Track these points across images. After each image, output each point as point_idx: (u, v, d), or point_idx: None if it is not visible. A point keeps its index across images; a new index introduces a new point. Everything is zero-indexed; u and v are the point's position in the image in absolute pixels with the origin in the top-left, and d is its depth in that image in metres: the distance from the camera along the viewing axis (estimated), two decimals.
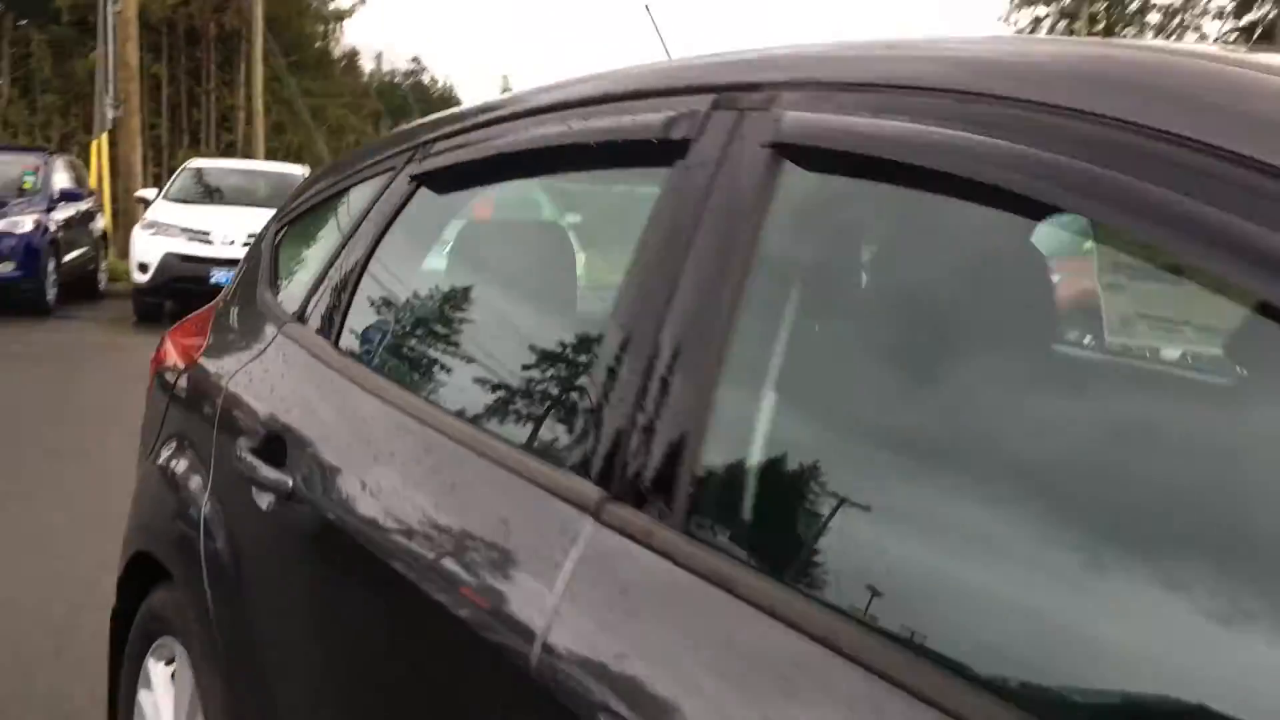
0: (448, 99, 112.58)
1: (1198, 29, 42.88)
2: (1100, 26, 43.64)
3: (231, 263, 9.70)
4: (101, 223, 14.37)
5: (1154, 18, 43.94)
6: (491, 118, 1.63)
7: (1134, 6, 44.20)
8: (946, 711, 0.77)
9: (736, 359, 1.09)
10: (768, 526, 1.04)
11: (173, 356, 2.26)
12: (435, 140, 1.73)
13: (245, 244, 10.58)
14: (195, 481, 1.93)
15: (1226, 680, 0.71)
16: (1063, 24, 43.68)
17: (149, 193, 13.96)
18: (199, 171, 13.46)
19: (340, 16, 39.48)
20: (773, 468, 1.06)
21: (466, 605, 1.20)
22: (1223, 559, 0.76)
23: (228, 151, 34.10)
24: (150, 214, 12.10)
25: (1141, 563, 0.80)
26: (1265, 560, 0.74)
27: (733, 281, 1.10)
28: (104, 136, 17.32)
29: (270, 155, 32.34)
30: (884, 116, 1.04)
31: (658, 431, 1.10)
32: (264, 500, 1.64)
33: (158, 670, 2.08)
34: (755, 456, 1.07)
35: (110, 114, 17.88)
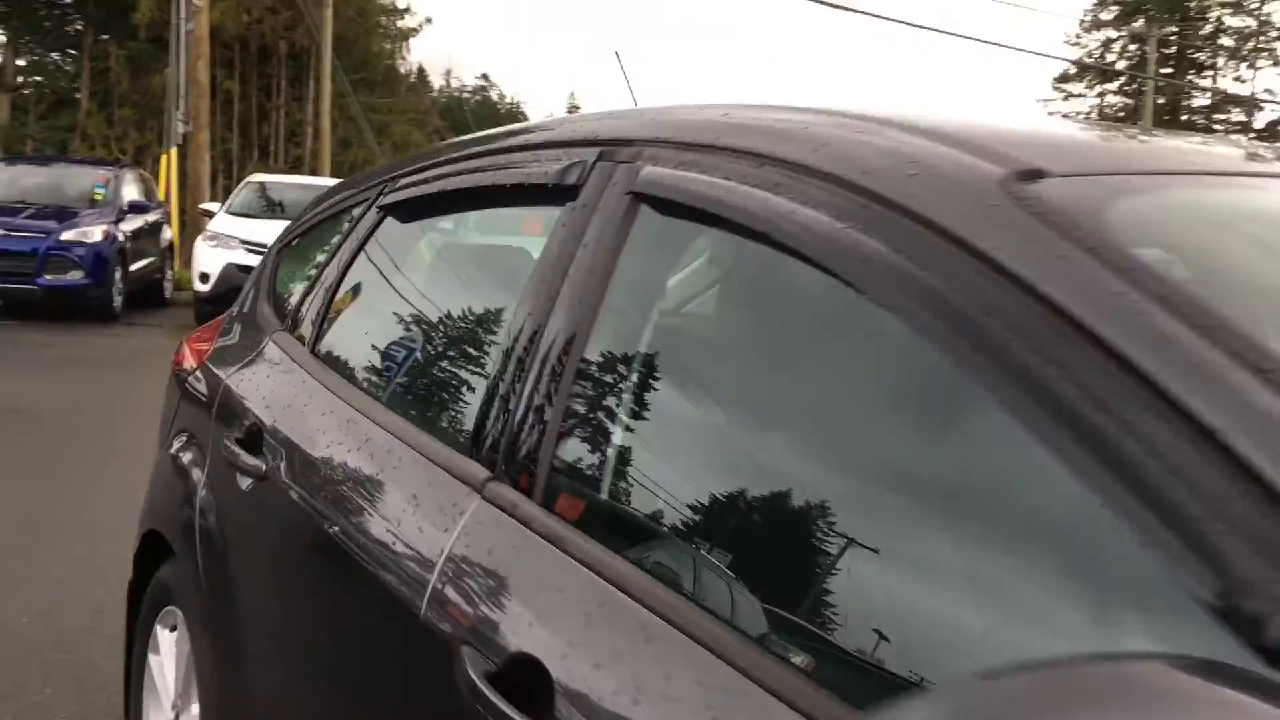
0: (514, 115, 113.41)
1: (1271, 54, 42.27)
2: (1173, 50, 43.19)
3: None
4: (168, 233, 14.95)
5: (1227, 41, 43.43)
6: (439, 159, 1.91)
7: (1206, 30, 43.72)
8: (731, 664, 0.97)
9: (590, 366, 1.34)
10: (599, 502, 1.29)
11: (187, 358, 2.57)
12: (398, 177, 2.01)
13: None
14: (196, 468, 2.21)
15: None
16: (1133, 46, 43.30)
17: (213, 206, 14.52)
18: (260, 186, 13.99)
19: (406, 35, 40.35)
20: (610, 456, 1.31)
21: (383, 564, 1.46)
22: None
23: (295, 165, 35.00)
24: (213, 226, 12.60)
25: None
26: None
27: (592, 303, 1.35)
28: (173, 150, 17.96)
29: (336, 170, 33.15)
30: (708, 173, 1.28)
31: (527, 426, 1.35)
32: (244, 483, 1.92)
33: (164, 635, 2.36)
34: (598, 447, 1.32)
35: (180, 129, 18.55)
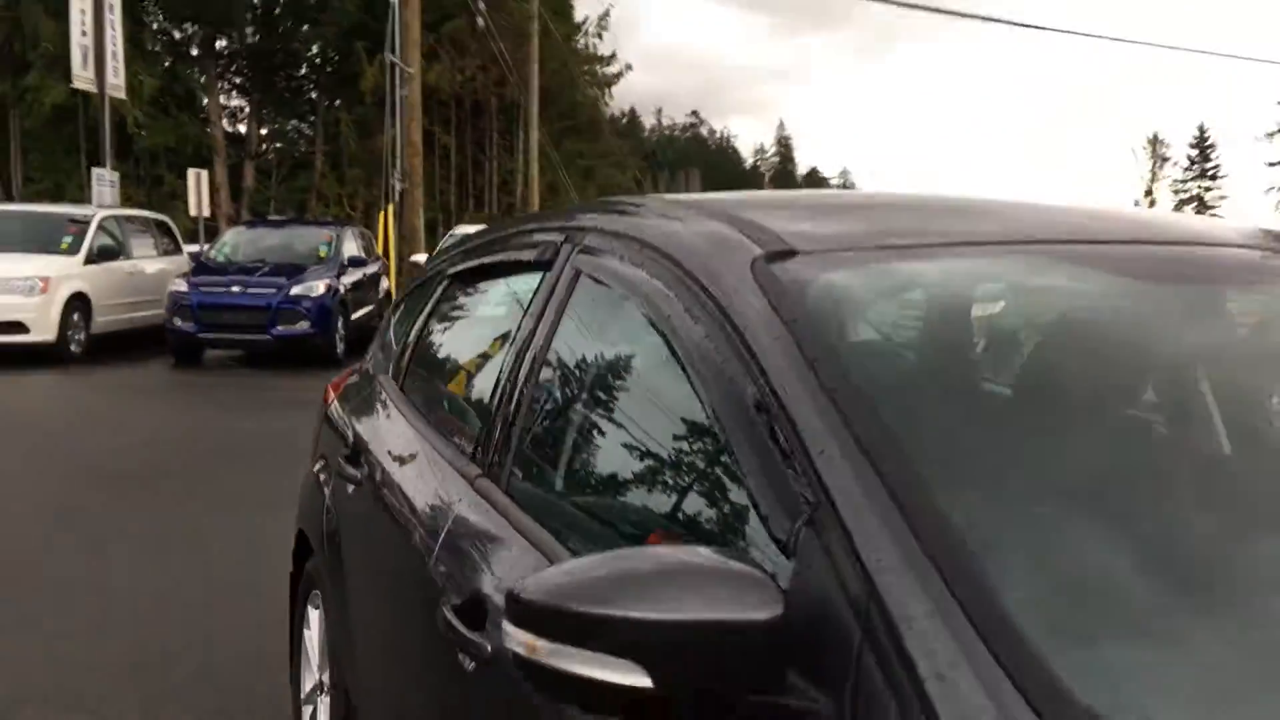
0: (724, 148, 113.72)
1: None
2: None
3: None
4: (386, 284, 16.32)
5: None
6: (480, 242, 2.50)
7: None
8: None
9: (540, 396, 1.85)
10: (538, 492, 1.79)
11: (331, 393, 3.23)
12: (455, 257, 2.62)
13: None
14: (326, 480, 2.84)
15: None
16: None
17: (421, 257, 15.77)
18: (463, 238, 15.11)
19: (608, 83, 41.99)
20: (552, 457, 1.81)
21: (415, 538, 2.01)
22: None
23: (508, 212, 36.93)
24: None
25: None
26: None
27: (544, 347, 1.86)
28: (390, 206, 19.53)
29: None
30: (609, 252, 1.78)
31: (497, 437, 1.88)
32: (349, 489, 2.52)
33: (312, 614, 2.99)
34: (546, 453, 1.83)
35: (397, 186, 20.14)
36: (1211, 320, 1.63)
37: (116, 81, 17.70)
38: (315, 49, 37.57)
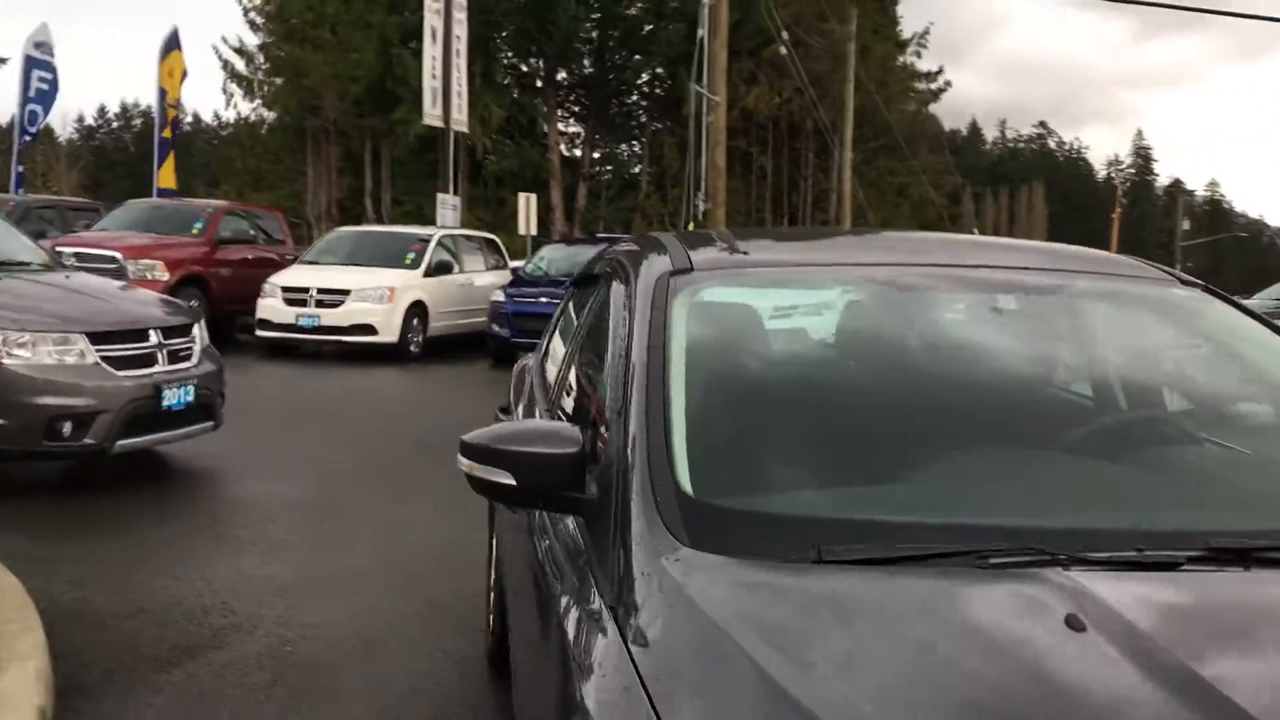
0: (1074, 161, 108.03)
1: None
2: None
3: None
4: None
5: None
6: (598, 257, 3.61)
7: None
8: None
9: (571, 350, 2.96)
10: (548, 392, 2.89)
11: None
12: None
13: None
14: None
15: None
16: None
17: None
18: None
19: (927, 100, 41.90)
20: (559, 379, 2.91)
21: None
22: None
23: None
24: None
25: None
26: None
27: (580, 326, 2.97)
28: (691, 225, 21.02)
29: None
30: (614, 272, 2.88)
31: (553, 379, 3.00)
32: None
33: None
34: (560, 374, 2.93)
35: (701, 207, 21.65)
36: (930, 315, 2.52)
37: (460, 117, 20.25)
38: (645, 77, 40.07)
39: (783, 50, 27.04)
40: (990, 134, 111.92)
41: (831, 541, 1.74)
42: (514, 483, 2.11)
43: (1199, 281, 2.70)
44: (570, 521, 2.17)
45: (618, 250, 3.08)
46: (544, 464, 2.09)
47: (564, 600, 1.98)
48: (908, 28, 46.67)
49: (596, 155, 42.13)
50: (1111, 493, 2.03)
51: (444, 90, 19.33)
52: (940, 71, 54.12)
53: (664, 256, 2.64)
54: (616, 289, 2.71)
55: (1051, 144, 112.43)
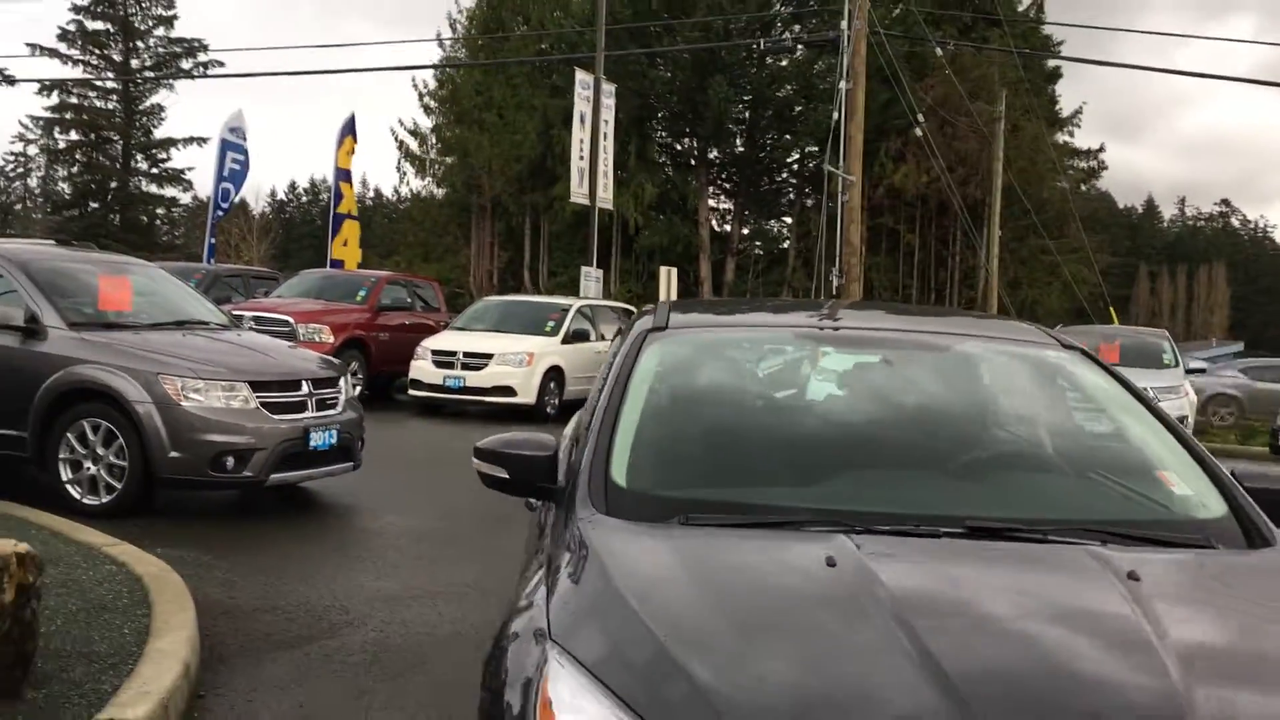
0: (1259, 239, 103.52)
1: None
2: None
3: None
4: None
5: None
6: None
7: None
8: None
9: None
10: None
11: None
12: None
13: None
14: None
15: None
16: None
17: None
18: None
19: (1081, 180, 41.47)
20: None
21: None
22: None
23: (968, 306, 37.81)
24: None
25: None
26: None
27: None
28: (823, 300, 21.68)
29: (1003, 310, 35.30)
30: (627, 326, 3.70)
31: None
32: None
33: None
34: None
35: (835, 282, 22.29)
36: (829, 364, 3.26)
37: (605, 195, 21.54)
38: (794, 155, 41.01)
39: (918, 132, 27.41)
40: (1168, 211, 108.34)
41: (696, 513, 2.52)
42: (507, 476, 2.95)
43: (1080, 346, 3.36)
44: (550, 512, 2.98)
45: (643, 310, 3.92)
46: (527, 463, 2.93)
47: (529, 563, 2.79)
48: (1078, 104, 46.50)
49: (746, 230, 43.12)
50: (917, 492, 2.74)
51: (590, 170, 20.64)
52: (1101, 149, 53.54)
53: (650, 318, 3.46)
54: (617, 343, 3.54)
55: (1235, 222, 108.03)
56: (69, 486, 7.39)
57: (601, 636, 2.09)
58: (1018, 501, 2.76)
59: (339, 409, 8.25)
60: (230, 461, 7.38)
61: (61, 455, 7.43)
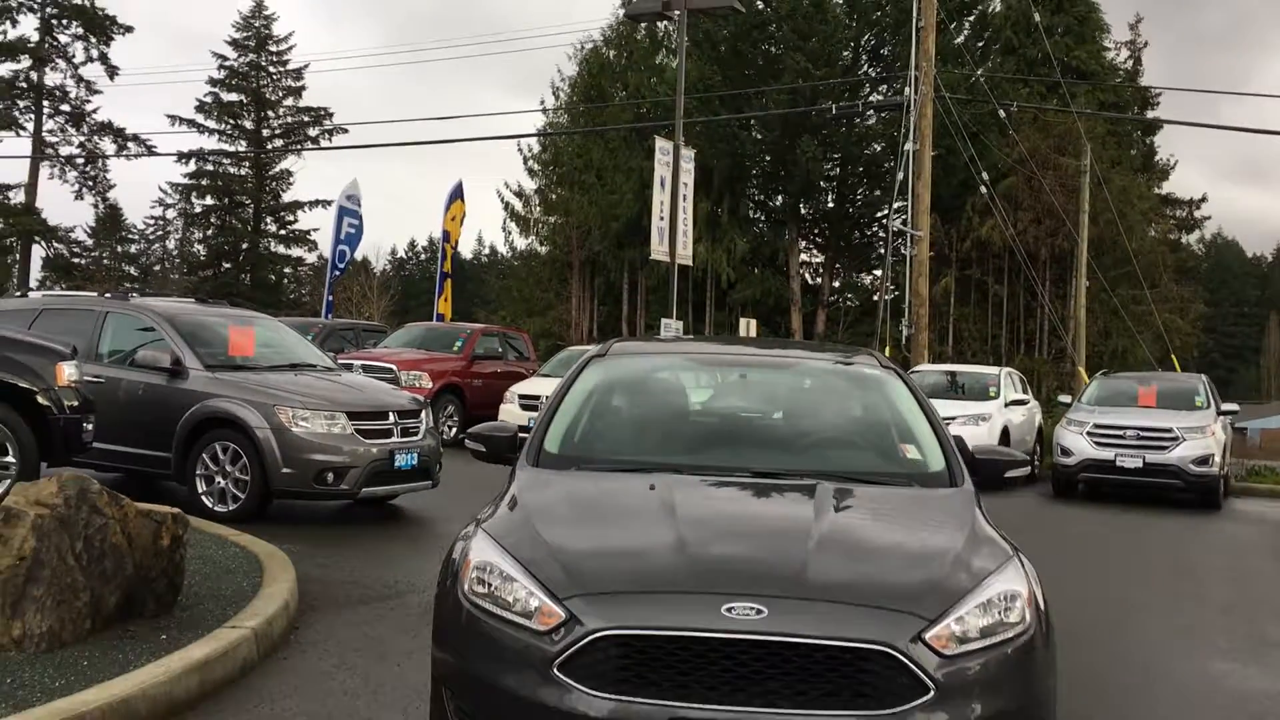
0: None
1: None
2: None
3: None
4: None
5: None
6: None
7: None
8: None
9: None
10: None
11: None
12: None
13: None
14: None
15: None
16: None
17: None
18: (920, 373, 18.08)
19: (1169, 230, 41.63)
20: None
21: None
22: None
23: (1058, 357, 38.34)
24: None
25: None
26: None
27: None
28: (889, 348, 22.84)
29: (1093, 359, 35.78)
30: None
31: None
32: None
33: None
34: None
35: (905, 332, 23.46)
36: (711, 377, 4.75)
37: (685, 253, 23.14)
38: (883, 211, 42.17)
39: (983, 189, 28.48)
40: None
41: (586, 463, 4.06)
42: (485, 449, 4.51)
43: (893, 366, 4.80)
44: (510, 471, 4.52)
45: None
46: (497, 441, 4.49)
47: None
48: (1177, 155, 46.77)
49: (836, 284, 44.27)
50: (736, 456, 4.20)
51: (671, 230, 22.26)
52: (1203, 200, 53.30)
53: (596, 347, 5.01)
54: (574, 368, 5.10)
55: None
56: (203, 497, 9.18)
57: (504, 522, 3.63)
58: (800, 462, 4.22)
59: (420, 436, 9.92)
60: (330, 477, 9.08)
61: (198, 471, 9.24)
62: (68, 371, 8.26)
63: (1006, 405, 16.35)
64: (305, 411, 9.15)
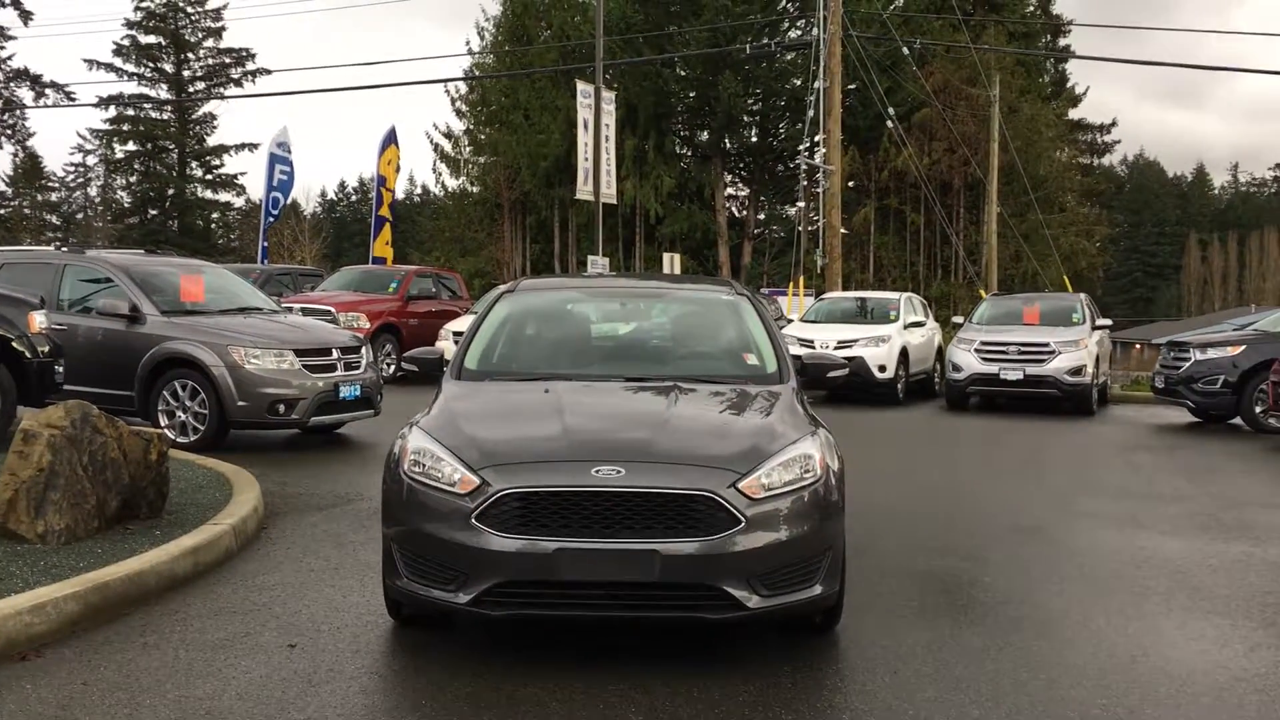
0: None
1: None
2: None
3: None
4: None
5: None
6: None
7: None
8: None
9: None
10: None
11: None
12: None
13: (837, 347, 16.22)
14: None
15: None
16: None
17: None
18: (831, 300, 19.41)
19: (1079, 155, 43.34)
20: None
21: None
22: None
23: (972, 283, 40.04)
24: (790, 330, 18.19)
25: None
26: None
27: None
28: (801, 278, 24.19)
29: (1005, 281, 37.50)
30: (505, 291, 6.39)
31: None
32: None
33: None
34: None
35: (819, 263, 24.77)
36: (597, 304, 5.94)
37: (609, 191, 24.19)
38: (805, 144, 43.36)
39: (889, 124, 29.73)
40: (1220, 179, 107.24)
41: (496, 376, 5.22)
42: (418, 369, 5.63)
43: (747, 292, 5.99)
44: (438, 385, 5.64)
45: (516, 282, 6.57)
46: (428, 363, 5.62)
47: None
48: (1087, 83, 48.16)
49: (761, 216, 45.59)
50: (617, 368, 5.36)
51: (594, 170, 23.25)
52: (1113, 124, 55.21)
53: (510, 284, 6.14)
54: (488, 300, 6.21)
55: None
56: (167, 430, 10.16)
57: (434, 420, 4.78)
58: (664, 369, 5.41)
59: (361, 370, 10.97)
60: (281, 408, 10.12)
61: (160, 407, 10.22)
62: (39, 319, 9.20)
63: (906, 328, 17.71)
64: (256, 350, 10.15)
